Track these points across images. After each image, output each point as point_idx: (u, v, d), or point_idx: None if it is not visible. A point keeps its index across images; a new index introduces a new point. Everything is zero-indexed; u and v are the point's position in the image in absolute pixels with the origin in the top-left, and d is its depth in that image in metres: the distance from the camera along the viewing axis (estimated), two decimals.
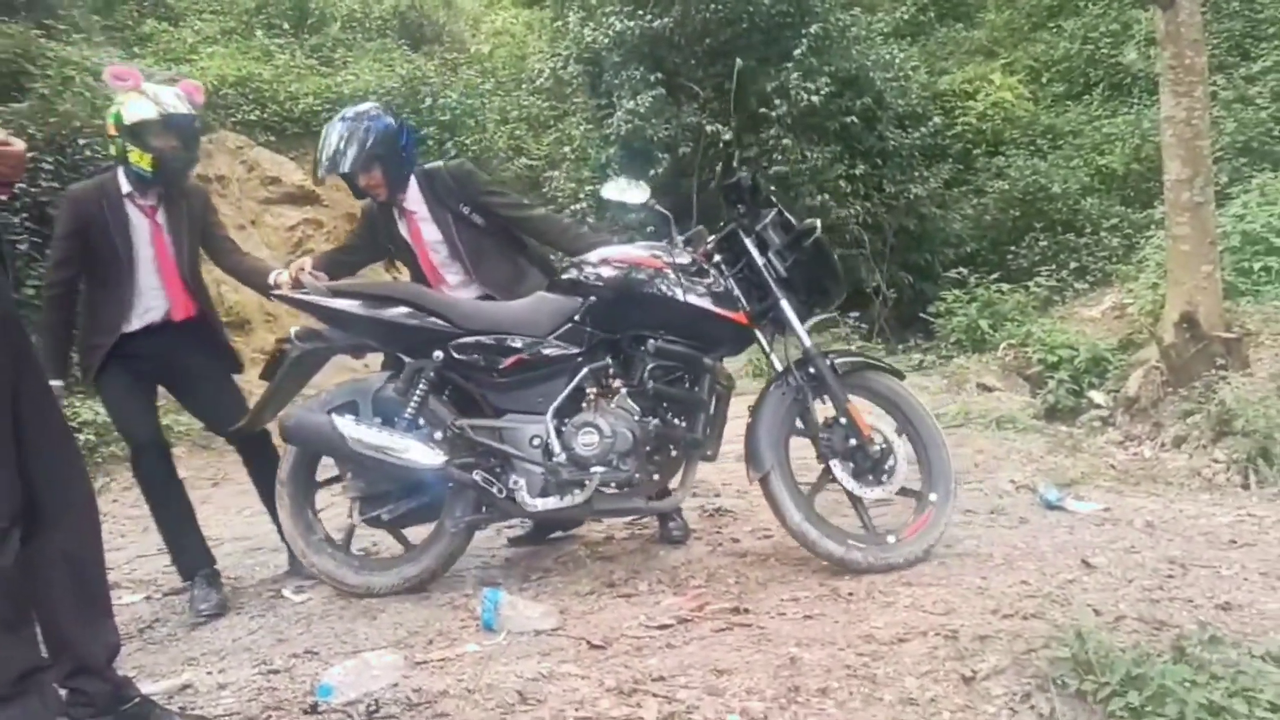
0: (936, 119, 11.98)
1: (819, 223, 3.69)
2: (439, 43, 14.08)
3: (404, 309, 3.64)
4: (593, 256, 3.70)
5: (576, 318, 3.66)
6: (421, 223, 4.15)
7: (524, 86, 12.30)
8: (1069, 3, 15.61)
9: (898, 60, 11.71)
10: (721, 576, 3.67)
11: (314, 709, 2.65)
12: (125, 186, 3.86)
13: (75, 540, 2.49)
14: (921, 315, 9.95)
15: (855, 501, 3.68)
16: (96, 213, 3.82)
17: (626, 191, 3.67)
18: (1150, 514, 4.38)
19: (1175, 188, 6.28)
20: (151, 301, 3.90)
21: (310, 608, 3.72)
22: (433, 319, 3.64)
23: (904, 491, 3.69)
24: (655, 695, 2.62)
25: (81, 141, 8.40)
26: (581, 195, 10.42)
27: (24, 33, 9.90)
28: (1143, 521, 4.23)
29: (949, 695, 2.55)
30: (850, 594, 3.36)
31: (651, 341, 3.62)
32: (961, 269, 10.12)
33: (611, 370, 3.68)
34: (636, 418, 3.59)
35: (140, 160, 3.79)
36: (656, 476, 3.68)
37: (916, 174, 11.38)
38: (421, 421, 3.65)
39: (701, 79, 10.87)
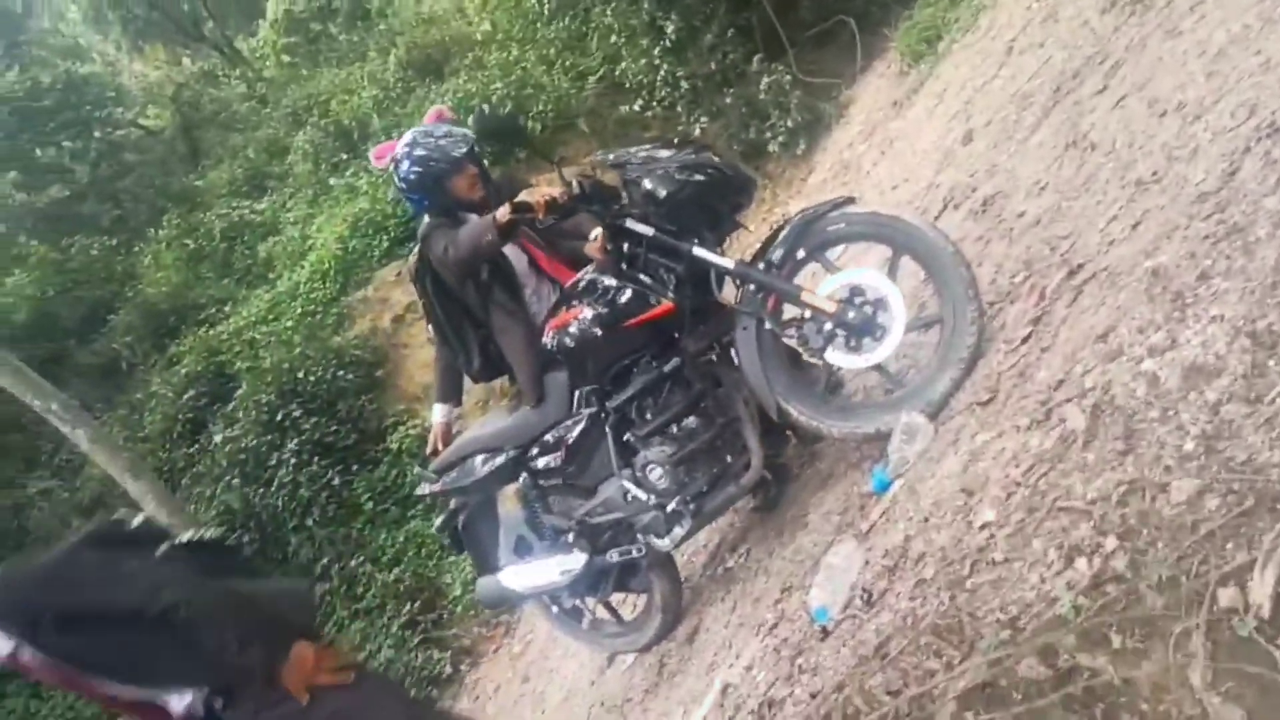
0: None
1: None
2: (451, 55, 14.07)
3: (480, 457, 3.92)
4: (545, 326, 3.71)
5: (572, 387, 3.74)
6: None
7: (539, 23, 12.06)
8: None
9: None
10: (1036, 255, 3.50)
11: (825, 633, 2.77)
12: None
13: None
14: None
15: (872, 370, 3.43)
16: None
17: None
18: None
19: None
20: None
21: (755, 556, 3.89)
22: (496, 455, 3.88)
23: (920, 326, 3.37)
24: (1068, 401, 2.55)
25: (300, 375, 9.06)
26: (656, 62, 10.09)
27: (196, 338, 10.86)
28: None
29: None
30: (1154, 172, 3.13)
31: (608, 403, 3.66)
32: None
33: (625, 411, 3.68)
34: (671, 440, 3.61)
35: None
36: (729, 458, 3.62)
37: None
38: (552, 533, 3.91)
39: None
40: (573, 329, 3.56)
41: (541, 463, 3.85)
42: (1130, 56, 3.96)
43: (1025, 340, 3.04)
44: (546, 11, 11.65)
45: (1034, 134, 4.36)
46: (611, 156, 3.54)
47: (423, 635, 7.29)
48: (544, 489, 3.93)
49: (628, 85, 10.40)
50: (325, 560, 8.11)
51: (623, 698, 4.11)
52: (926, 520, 2.74)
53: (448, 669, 6.99)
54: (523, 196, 3.42)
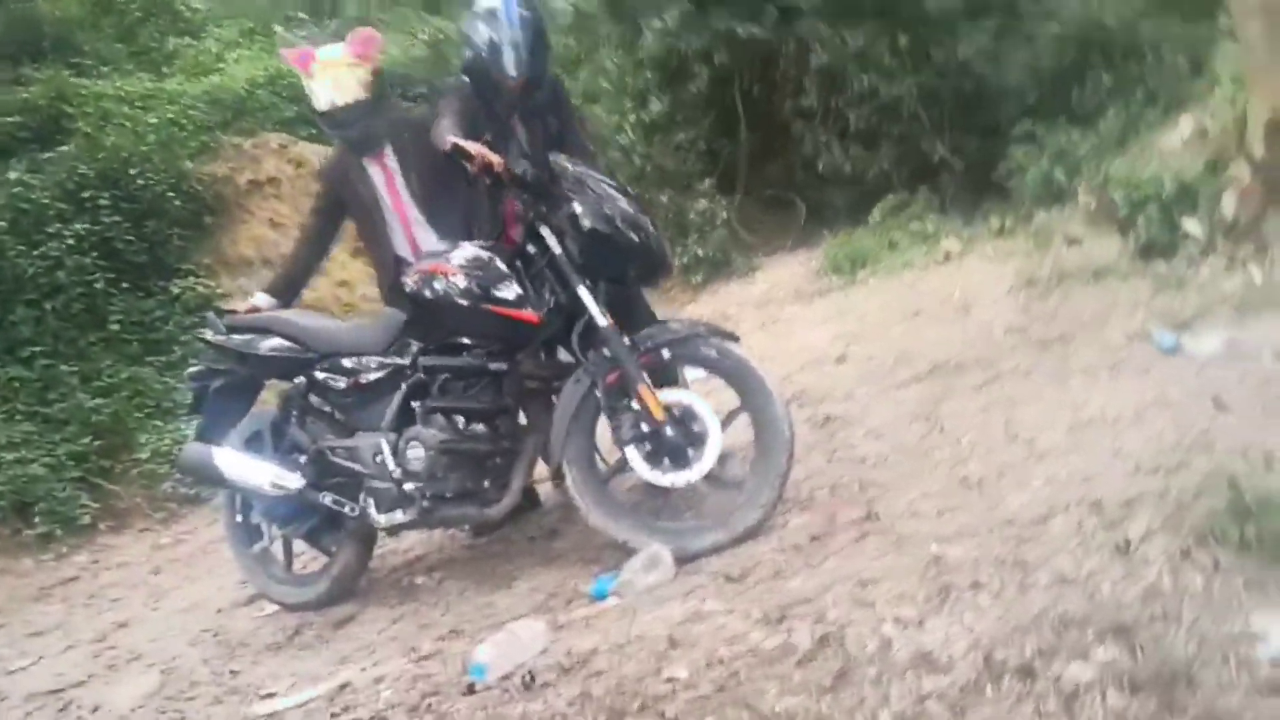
0: None
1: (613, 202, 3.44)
2: (456, 2, 13.88)
3: (277, 339, 3.77)
4: (413, 266, 3.64)
5: (401, 332, 3.66)
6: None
7: (550, 27, 12.05)
8: None
9: None
10: (846, 485, 3.61)
11: (471, 689, 2.68)
12: None
13: None
14: (993, 179, 9.54)
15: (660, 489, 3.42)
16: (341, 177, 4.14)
17: None
18: (1278, 341, 4.16)
19: None
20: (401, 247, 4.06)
21: (446, 588, 3.78)
22: (292, 346, 3.75)
23: (719, 482, 3.48)
24: (804, 619, 2.59)
25: (133, 171, 8.46)
26: (625, 126, 10.21)
27: (55, 75, 9.99)
28: (1271, 351, 4.02)
29: (1105, 567, 2.46)
30: (980, 480, 3.28)
31: (422, 359, 3.58)
32: (1028, 122, 9.67)
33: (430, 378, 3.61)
34: (451, 430, 3.57)
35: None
36: (486, 484, 3.60)
37: (962, 34, 10.86)
38: (289, 446, 3.80)
39: None
40: (438, 285, 3.44)
41: (325, 378, 3.72)
42: (1013, 379, 4.19)
43: (797, 548, 3.10)
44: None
45: (899, 390, 4.54)
46: (563, 159, 3.51)
47: (83, 474, 6.75)
48: (308, 405, 3.79)
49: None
50: (37, 348, 7.48)
51: (241, 640, 3.87)
52: (622, 646, 2.72)
53: (86, 519, 6.46)
54: (469, 148, 3.36)
